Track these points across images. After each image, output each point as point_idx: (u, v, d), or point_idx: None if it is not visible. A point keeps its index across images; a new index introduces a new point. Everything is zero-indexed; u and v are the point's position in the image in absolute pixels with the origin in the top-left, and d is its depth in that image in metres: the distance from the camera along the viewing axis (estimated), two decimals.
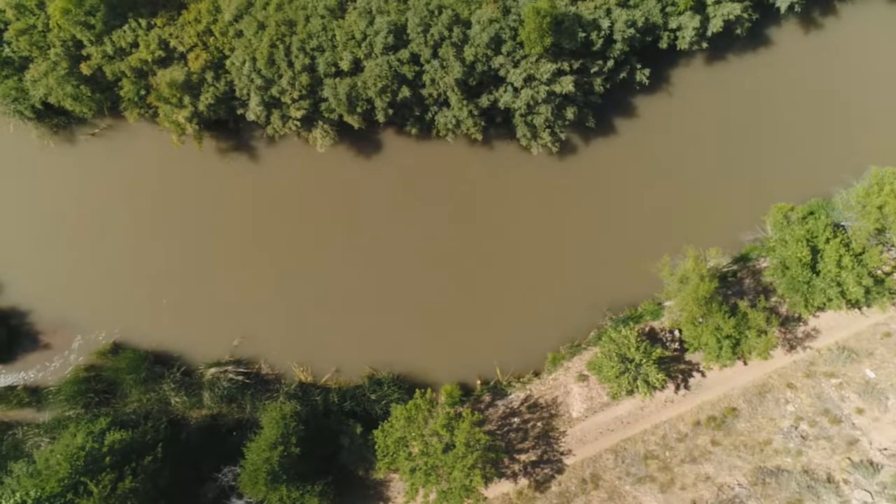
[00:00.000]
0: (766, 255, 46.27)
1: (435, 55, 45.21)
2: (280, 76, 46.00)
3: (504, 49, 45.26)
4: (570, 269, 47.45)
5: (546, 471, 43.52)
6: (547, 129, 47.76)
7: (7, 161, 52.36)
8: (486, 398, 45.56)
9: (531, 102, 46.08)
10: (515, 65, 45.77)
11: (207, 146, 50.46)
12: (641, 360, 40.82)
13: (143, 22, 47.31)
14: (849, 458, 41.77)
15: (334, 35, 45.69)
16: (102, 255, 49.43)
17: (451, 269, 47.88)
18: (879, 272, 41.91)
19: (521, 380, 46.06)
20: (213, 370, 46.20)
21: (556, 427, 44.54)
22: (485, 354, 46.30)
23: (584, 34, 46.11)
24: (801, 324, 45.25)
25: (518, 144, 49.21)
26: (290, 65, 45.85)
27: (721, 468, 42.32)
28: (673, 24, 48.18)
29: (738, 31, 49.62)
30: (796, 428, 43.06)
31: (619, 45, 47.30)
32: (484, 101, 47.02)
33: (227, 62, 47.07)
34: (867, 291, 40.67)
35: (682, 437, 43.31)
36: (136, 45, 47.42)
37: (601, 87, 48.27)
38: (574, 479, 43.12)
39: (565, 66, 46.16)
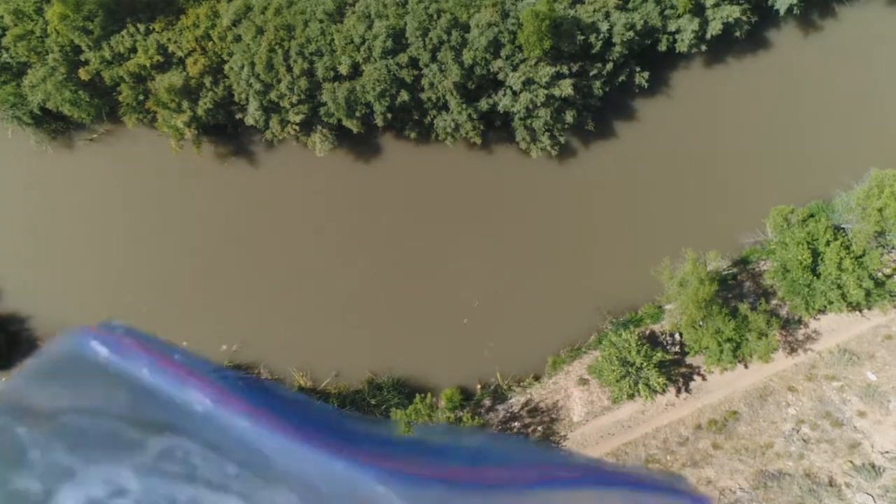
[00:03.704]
0: (767, 258, 46.19)
1: (434, 59, 45.15)
2: (279, 81, 45.93)
3: (503, 53, 45.22)
4: (571, 273, 47.33)
5: None
6: (546, 133, 47.69)
7: (5, 167, 52.29)
8: (487, 402, 45.43)
9: (530, 106, 46.01)
10: (514, 68, 45.72)
11: (206, 151, 50.37)
12: (642, 363, 40.70)
13: (142, 27, 47.26)
14: (850, 462, 41.62)
15: (333, 39, 45.63)
16: (101, 261, 49.32)
17: (450, 273, 47.78)
18: (880, 274, 41.83)
19: (522, 384, 45.93)
20: None
21: (556, 431, 44.40)
22: (485, 359, 46.19)
23: (582, 37, 46.06)
24: (801, 326, 45.14)
25: (517, 148, 49.13)
26: (289, 69, 45.78)
27: (722, 472, 42.17)
28: (672, 27, 48.15)
29: (738, 34, 49.56)
30: (798, 431, 42.92)
31: (618, 48, 47.25)
32: (483, 104, 46.96)
33: (226, 67, 47.01)
34: (868, 294, 40.59)
35: (684, 440, 43.17)
36: (134, 50, 47.36)
37: (600, 90, 48.20)
38: None
39: (564, 70, 46.10)
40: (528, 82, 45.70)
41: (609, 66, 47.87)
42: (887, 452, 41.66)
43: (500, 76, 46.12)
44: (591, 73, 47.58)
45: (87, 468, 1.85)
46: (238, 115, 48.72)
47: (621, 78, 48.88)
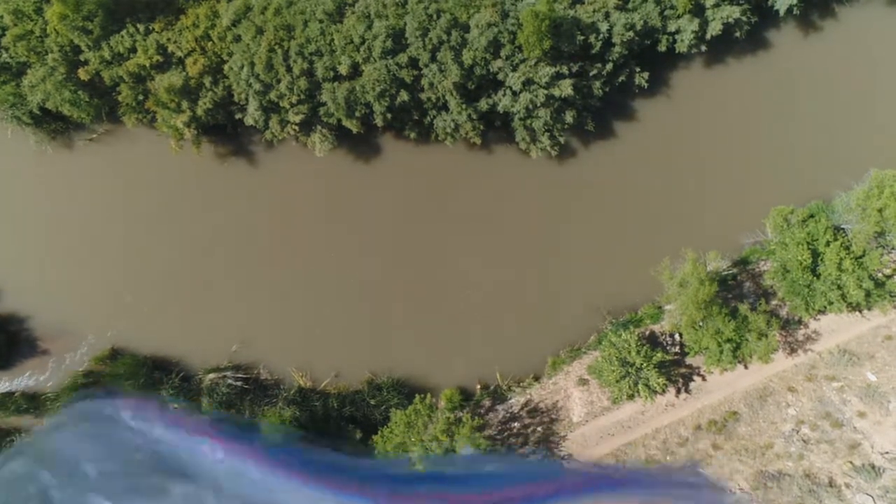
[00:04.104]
0: (767, 258, 46.15)
1: (433, 59, 45.12)
2: (278, 81, 45.89)
3: (503, 53, 45.19)
4: (571, 273, 47.27)
5: None
6: (546, 133, 47.65)
7: (5, 167, 52.24)
8: (487, 403, 45.37)
9: (530, 106, 45.98)
10: (514, 68, 45.68)
11: (206, 151, 50.33)
12: (642, 364, 40.66)
13: (141, 27, 47.23)
14: (850, 462, 41.58)
15: (333, 39, 45.60)
16: (101, 261, 49.25)
17: (450, 274, 47.73)
18: (880, 275, 41.81)
19: (522, 384, 45.87)
20: (211, 376, 46.02)
21: (556, 431, 44.34)
22: (485, 359, 46.11)
23: (582, 37, 46.03)
24: (801, 327, 45.09)
25: (517, 148, 49.09)
26: (289, 69, 45.75)
27: (722, 472, 42.09)
28: (672, 28, 48.12)
29: (738, 34, 49.52)
30: (797, 431, 42.87)
31: (617, 49, 47.22)
32: (483, 104, 46.91)
33: (226, 67, 46.98)
34: (868, 294, 40.57)
35: (684, 441, 43.12)
36: (134, 50, 47.33)
37: (600, 91, 48.16)
38: None
39: (564, 70, 46.06)
40: (527, 82, 45.67)
41: (609, 66, 47.84)
42: (887, 453, 41.62)
43: (500, 76, 46.09)
44: (591, 74, 47.55)
45: None
46: (238, 115, 48.69)
47: (621, 78, 48.85)
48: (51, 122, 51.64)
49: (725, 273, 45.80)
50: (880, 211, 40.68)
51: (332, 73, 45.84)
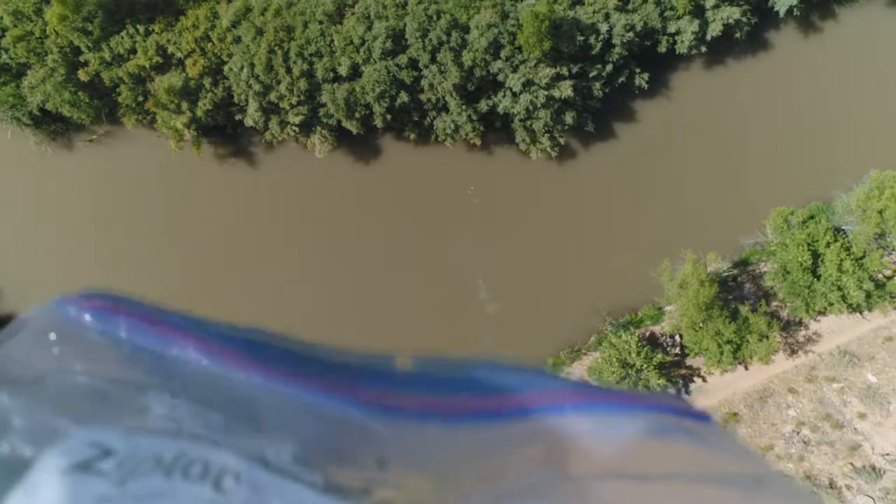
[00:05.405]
0: (767, 260, 46.13)
1: (433, 60, 45.12)
2: (278, 82, 45.88)
3: (503, 54, 45.19)
4: (570, 274, 47.26)
5: None
6: (546, 134, 47.63)
7: (4, 167, 52.26)
8: None
9: (530, 107, 45.96)
10: (514, 69, 45.67)
11: (206, 152, 50.33)
12: (642, 365, 40.66)
13: (141, 28, 47.23)
14: (851, 464, 41.57)
15: (332, 40, 45.61)
16: (101, 262, 49.26)
17: (450, 274, 47.74)
18: (880, 276, 41.83)
19: None
20: None
21: None
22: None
23: (582, 38, 46.02)
24: (802, 328, 45.07)
25: (517, 149, 49.07)
26: (289, 70, 45.74)
27: None
28: (672, 29, 48.12)
29: (738, 35, 49.49)
30: (798, 433, 42.84)
31: (617, 50, 47.20)
32: (483, 105, 46.89)
33: (226, 68, 46.96)
34: (868, 295, 40.54)
35: None
36: (133, 51, 47.33)
37: (600, 92, 48.13)
38: None
39: (564, 71, 46.04)
40: (527, 83, 45.65)
41: (609, 67, 47.80)
42: (888, 454, 41.59)
43: (500, 77, 46.07)
44: (591, 75, 47.52)
45: (72, 430, 1.74)
46: (237, 117, 48.67)
47: (621, 79, 48.80)
48: (51, 123, 51.61)
49: (726, 274, 45.78)
50: (881, 212, 40.67)
51: (331, 75, 45.84)
